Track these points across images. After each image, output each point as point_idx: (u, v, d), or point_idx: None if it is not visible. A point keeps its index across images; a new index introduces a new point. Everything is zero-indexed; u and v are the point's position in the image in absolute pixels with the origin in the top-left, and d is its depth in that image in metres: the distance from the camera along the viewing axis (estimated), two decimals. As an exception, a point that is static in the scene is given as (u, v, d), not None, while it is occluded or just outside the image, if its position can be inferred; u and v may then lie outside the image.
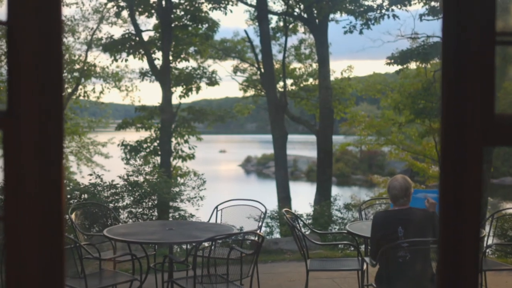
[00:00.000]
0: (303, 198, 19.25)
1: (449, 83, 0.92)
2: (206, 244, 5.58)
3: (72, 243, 4.78)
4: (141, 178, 9.42)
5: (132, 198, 9.08)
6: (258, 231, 6.32)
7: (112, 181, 9.18)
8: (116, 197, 9.01)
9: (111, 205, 8.80)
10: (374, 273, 4.79)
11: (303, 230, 6.75)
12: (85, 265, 6.40)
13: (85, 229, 8.15)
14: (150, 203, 9.15)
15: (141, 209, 9.06)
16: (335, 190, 18.41)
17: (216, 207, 6.71)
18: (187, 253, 5.45)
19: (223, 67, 49.02)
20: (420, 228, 4.50)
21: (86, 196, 8.82)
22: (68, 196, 8.83)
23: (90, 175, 9.45)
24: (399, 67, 14.15)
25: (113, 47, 15.78)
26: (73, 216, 6.13)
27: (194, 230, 5.62)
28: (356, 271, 5.75)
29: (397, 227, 4.49)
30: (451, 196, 0.93)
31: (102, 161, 20.13)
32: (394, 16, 13.63)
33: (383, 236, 4.55)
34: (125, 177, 9.33)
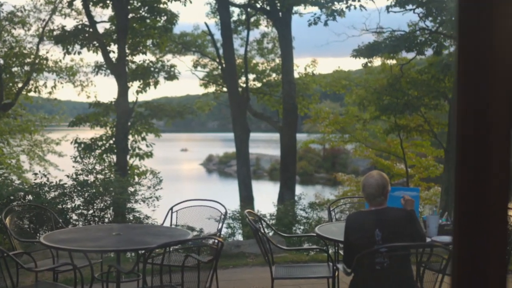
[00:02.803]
0: (266, 197, 18.76)
1: (467, 54, 0.77)
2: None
3: (-1, 253, 4.08)
4: (91, 177, 8.72)
5: (82, 199, 8.40)
6: (217, 234, 5.75)
7: (60, 180, 8.48)
8: (65, 198, 8.35)
9: (59, 206, 8.13)
10: (346, 280, 4.28)
11: (266, 231, 6.21)
12: (23, 276, 5.70)
13: (28, 234, 7.42)
14: (102, 204, 8.48)
15: (92, 211, 8.38)
16: (298, 189, 18.01)
17: (171, 209, 6.11)
18: (137, 260, 4.81)
19: (183, 62, 48.14)
20: (399, 230, 4.00)
21: (30, 197, 8.13)
22: (12, 197, 8.13)
23: (35, 174, 8.72)
24: (365, 60, 13.73)
25: (65, 39, 14.91)
26: (7, 220, 5.41)
27: (144, 235, 5.01)
28: (326, 278, 5.20)
29: (373, 230, 3.98)
30: (469, 188, 0.79)
31: (56, 160, 19.20)
32: (361, 6, 13.20)
33: (358, 240, 4.03)
34: (74, 176, 8.62)
